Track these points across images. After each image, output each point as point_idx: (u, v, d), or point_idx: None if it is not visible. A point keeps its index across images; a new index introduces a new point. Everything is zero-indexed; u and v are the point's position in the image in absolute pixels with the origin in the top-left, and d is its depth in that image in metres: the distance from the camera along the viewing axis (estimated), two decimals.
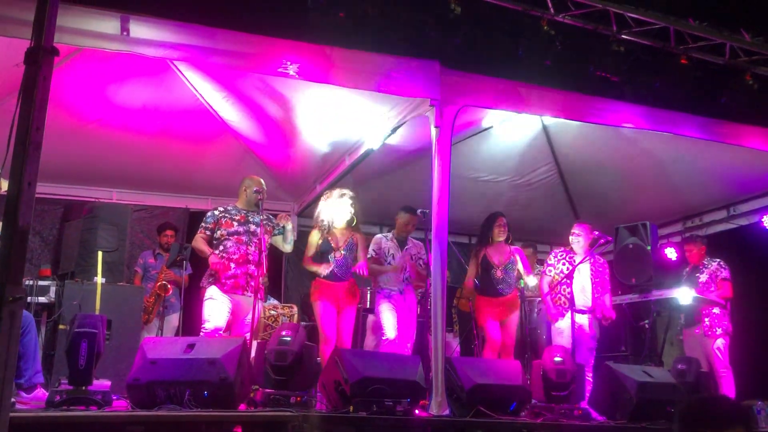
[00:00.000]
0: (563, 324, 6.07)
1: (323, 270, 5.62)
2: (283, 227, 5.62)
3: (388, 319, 5.92)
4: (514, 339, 6.19)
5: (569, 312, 5.98)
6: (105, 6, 4.49)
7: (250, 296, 5.31)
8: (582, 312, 6.12)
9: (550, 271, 6.36)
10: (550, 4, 5.63)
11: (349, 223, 5.80)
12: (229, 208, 5.58)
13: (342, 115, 6.33)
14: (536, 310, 7.10)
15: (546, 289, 6.31)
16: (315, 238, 5.78)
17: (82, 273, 5.68)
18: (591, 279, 6.25)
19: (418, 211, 5.86)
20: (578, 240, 6.33)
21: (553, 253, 6.51)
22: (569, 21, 5.79)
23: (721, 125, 6.25)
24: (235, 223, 5.45)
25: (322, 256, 5.72)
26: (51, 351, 5.29)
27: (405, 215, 6.16)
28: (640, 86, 6.15)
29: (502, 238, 6.24)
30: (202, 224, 5.52)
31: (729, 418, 2.09)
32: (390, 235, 6.24)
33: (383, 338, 5.92)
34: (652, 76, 6.20)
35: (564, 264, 6.27)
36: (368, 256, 6.07)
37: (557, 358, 5.17)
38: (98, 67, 5.84)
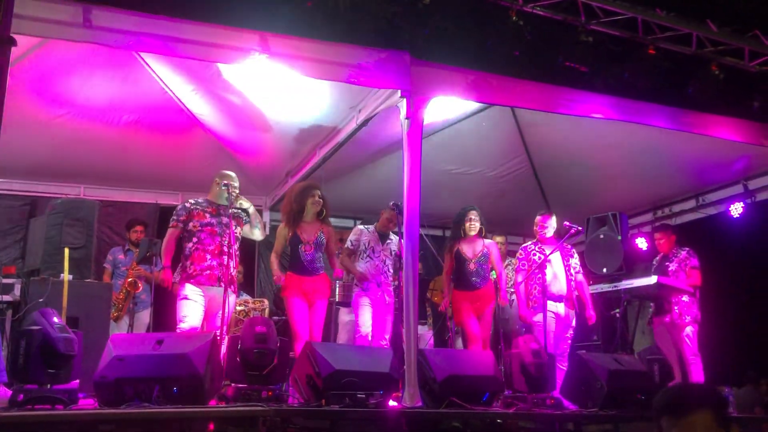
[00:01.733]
0: (540, 317, 6.07)
1: (276, 278, 5.66)
2: (246, 211, 5.50)
3: (364, 314, 5.94)
4: (489, 331, 6.21)
5: (543, 303, 6.00)
6: None
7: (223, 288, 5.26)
8: (558, 299, 6.15)
9: (524, 265, 6.33)
10: None
11: (319, 215, 5.76)
12: (199, 200, 5.54)
13: (313, 108, 6.29)
14: (510, 301, 7.09)
15: (520, 279, 6.31)
16: (284, 231, 5.73)
17: (48, 270, 5.57)
18: (563, 265, 6.27)
19: (391, 203, 5.82)
20: (545, 231, 6.37)
21: (523, 248, 6.49)
22: (538, 11, 5.79)
23: (688, 115, 6.31)
24: (208, 215, 5.40)
25: (291, 249, 5.67)
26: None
27: (389, 212, 6.08)
28: (608, 76, 6.19)
29: (473, 233, 6.25)
30: (174, 217, 5.44)
31: (694, 403, 2.10)
32: (372, 227, 6.22)
33: (358, 333, 5.91)
34: (620, 66, 6.24)
35: (536, 255, 6.30)
36: (345, 246, 6.10)
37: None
38: (63, 59, 5.72)
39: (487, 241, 6.35)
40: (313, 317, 5.56)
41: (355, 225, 6.99)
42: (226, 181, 5.47)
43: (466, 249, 6.21)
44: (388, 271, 6.08)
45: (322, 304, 5.64)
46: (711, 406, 2.11)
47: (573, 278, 6.26)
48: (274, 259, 5.70)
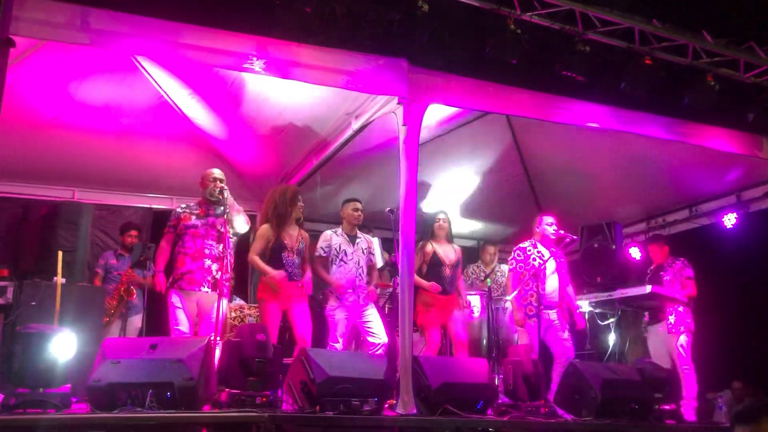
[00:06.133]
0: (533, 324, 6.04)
1: (276, 274, 5.31)
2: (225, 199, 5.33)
3: (338, 329, 5.67)
4: (466, 336, 6.15)
5: (538, 310, 5.97)
6: None
7: (209, 292, 5.23)
8: (552, 307, 6.13)
9: (521, 267, 6.25)
10: (516, 3, 5.65)
11: (298, 220, 5.65)
12: (191, 204, 5.51)
13: (309, 113, 6.28)
14: (503, 308, 7.07)
15: (516, 286, 6.24)
16: (268, 233, 5.47)
17: (41, 273, 5.54)
18: (558, 273, 6.25)
19: (387, 209, 5.80)
20: (547, 230, 6.32)
21: (521, 249, 6.34)
22: (536, 20, 5.81)
23: (683, 125, 6.33)
24: (194, 217, 5.38)
25: (273, 253, 5.43)
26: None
27: (347, 208, 5.96)
28: (605, 86, 6.21)
29: (441, 235, 6.24)
30: (167, 223, 5.45)
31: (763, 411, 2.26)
32: (339, 230, 5.96)
33: (332, 346, 5.66)
34: (617, 75, 6.26)
35: (535, 260, 6.23)
36: (317, 254, 5.81)
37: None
38: (59, 63, 5.70)
39: (456, 246, 6.37)
40: (297, 321, 5.39)
41: None
42: (212, 177, 5.47)
43: (443, 253, 6.19)
44: (362, 274, 5.83)
45: (302, 306, 5.46)
46: None
47: (566, 288, 6.28)
48: (259, 261, 5.40)
